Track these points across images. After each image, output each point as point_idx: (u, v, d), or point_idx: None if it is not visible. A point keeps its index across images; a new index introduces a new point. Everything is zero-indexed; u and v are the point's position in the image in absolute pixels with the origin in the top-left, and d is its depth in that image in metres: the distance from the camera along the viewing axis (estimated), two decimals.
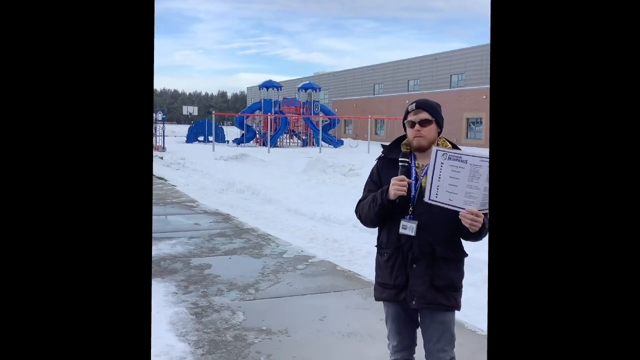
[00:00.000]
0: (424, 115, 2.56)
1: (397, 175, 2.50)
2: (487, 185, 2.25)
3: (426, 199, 2.37)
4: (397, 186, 2.45)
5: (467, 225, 2.35)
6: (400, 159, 2.55)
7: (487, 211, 2.33)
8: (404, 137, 2.68)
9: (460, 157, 2.28)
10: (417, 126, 2.55)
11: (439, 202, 2.33)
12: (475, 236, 2.43)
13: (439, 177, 2.30)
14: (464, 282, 2.65)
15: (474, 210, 2.29)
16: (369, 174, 2.77)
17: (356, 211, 2.73)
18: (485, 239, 2.22)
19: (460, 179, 2.27)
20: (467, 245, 2.64)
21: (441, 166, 2.30)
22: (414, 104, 2.60)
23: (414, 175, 2.55)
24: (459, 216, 2.34)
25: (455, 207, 2.32)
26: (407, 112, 2.61)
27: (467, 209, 2.30)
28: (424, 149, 2.58)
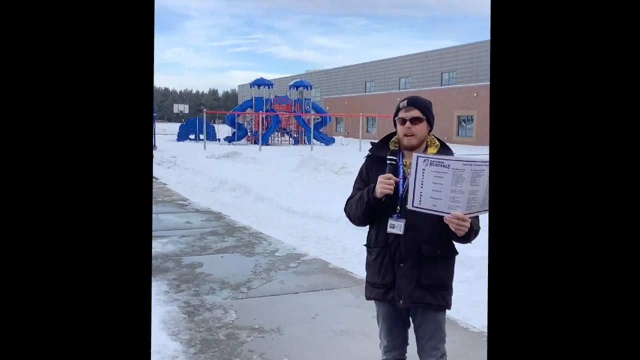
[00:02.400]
0: (415, 112, 2.53)
1: (384, 173, 2.48)
2: (471, 188, 2.23)
3: (409, 207, 2.34)
4: (383, 184, 2.43)
5: (453, 230, 2.33)
6: (388, 157, 2.53)
7: (474, 214, 2.33)
8: (394, 134, 2.67)
9: (442, 162, 2.25)
10: (407, 124, 2.52)
11: (422, 208, 2.31)
12: (464, 239, 2.41)
13: (422, 184, 2.27)
14: (456, 279, 2.65)
15: (459, 215, 2.27)
16: (358, 171, 2.76)
17: (345, 209, 2.72)
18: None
19: (443, 184, 2.25)
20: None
21: (423, 172, 2.26)
22: (406, 101, 2.57)
23: (401, 173, 2.53)
24: (445, 221, 2.31)
25: (440, 212, 2.30)
26: (398, 109, 2.58)
27: (452, 213, 2.28)
28: (414, 148, 2.55)
